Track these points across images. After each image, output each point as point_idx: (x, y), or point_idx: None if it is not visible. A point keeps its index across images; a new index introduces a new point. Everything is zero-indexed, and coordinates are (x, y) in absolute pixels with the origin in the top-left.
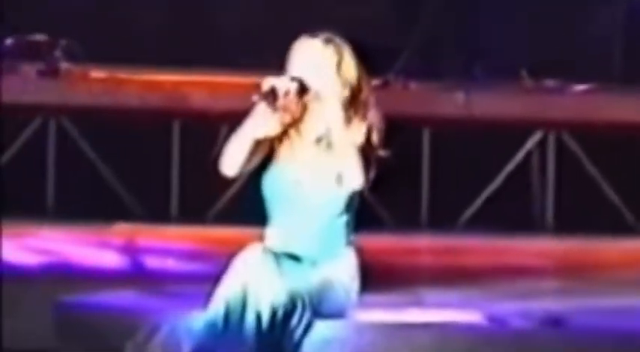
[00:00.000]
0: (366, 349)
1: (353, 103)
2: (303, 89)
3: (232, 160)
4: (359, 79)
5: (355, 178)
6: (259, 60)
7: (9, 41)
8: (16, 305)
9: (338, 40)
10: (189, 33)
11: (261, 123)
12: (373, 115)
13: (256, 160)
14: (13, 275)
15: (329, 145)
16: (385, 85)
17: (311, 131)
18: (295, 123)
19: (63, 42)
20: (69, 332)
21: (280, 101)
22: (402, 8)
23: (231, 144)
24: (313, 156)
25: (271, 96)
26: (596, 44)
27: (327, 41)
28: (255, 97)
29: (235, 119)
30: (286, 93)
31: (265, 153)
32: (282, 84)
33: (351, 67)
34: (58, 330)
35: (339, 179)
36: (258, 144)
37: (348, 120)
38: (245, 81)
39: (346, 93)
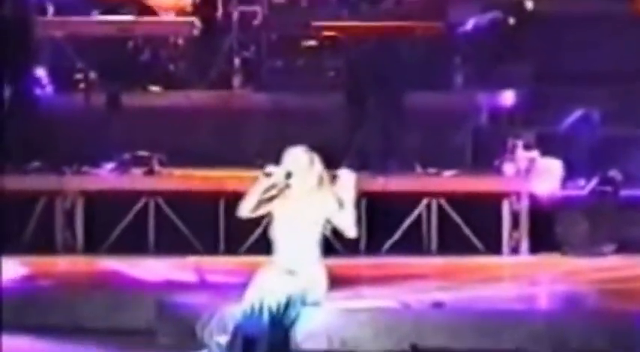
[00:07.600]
0: (331, 325)
1: (320, 184)
2: (288, 175)
3: (245, 206)
4: (322, 172)
5: (351, 227)
6: (266, 161)
7: (126, 156)
8: (138, 302)
9: (310, 150)
10: (228, 148)
11: (261, 188)
12: (331, 191)
13: (260, 211)
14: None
15: (307, 203)
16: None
17: (294, 197)
18: (284, 192)
19: (156, 155)
20: (165, 317)
21: (273, 178)
22: (350, 130)
23: (245, 200)
24: (296, 211)
25: (269, 175)
26: (445, 150)
27: (305, 151)
28: (260, 175)
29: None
30: (276, 175)
31: (267, 209)
32: (276, 170)
33: (318, 165)
34: (158, 316)
35: (317, 223)
36: (260, 202)
37: (318, 192)
38: (256, 174)
39: (315, 179)
